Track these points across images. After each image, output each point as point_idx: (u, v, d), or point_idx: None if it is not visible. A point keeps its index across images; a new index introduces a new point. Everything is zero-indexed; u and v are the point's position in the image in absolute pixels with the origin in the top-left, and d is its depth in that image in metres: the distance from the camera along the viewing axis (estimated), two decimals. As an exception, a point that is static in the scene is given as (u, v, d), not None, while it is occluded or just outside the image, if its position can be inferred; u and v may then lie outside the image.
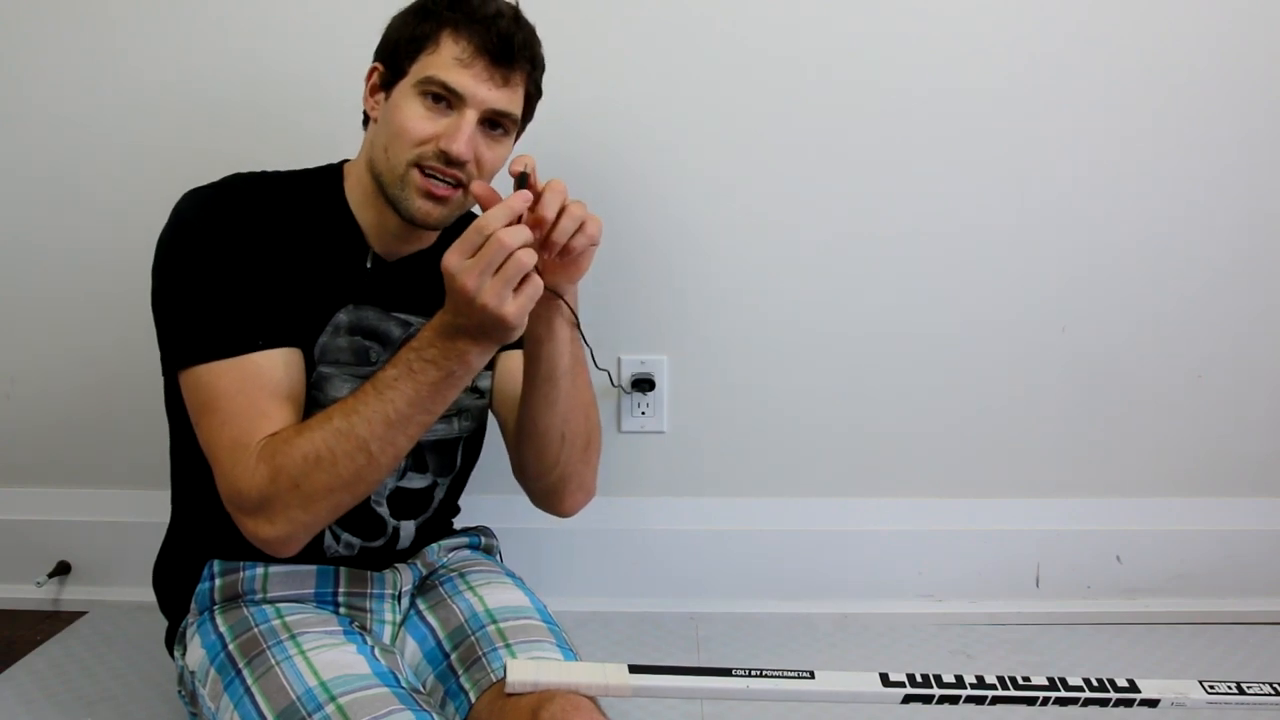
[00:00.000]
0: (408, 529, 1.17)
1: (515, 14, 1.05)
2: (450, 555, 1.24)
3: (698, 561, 1.67)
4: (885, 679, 0.92)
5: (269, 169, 1.11)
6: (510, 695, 0.91)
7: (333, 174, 1.13)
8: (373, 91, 1.08)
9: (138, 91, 1.54)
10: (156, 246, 1.04)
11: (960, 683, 0.93)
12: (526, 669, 0.92)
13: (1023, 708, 0.95)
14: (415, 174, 1.02)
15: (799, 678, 0.91)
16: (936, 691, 0.92)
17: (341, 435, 0.93)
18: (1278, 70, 1.54)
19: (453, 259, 0.87)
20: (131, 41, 1.53)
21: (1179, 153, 1.56)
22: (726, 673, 0.91)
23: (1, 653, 1.49)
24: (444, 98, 1.01)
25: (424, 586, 1.20)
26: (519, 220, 0.87)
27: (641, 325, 1.61)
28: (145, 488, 1.54)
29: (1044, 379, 1.63)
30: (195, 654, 1.05)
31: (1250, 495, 1.67)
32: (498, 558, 1.30)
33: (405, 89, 1.03)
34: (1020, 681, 0.93)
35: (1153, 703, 0.94)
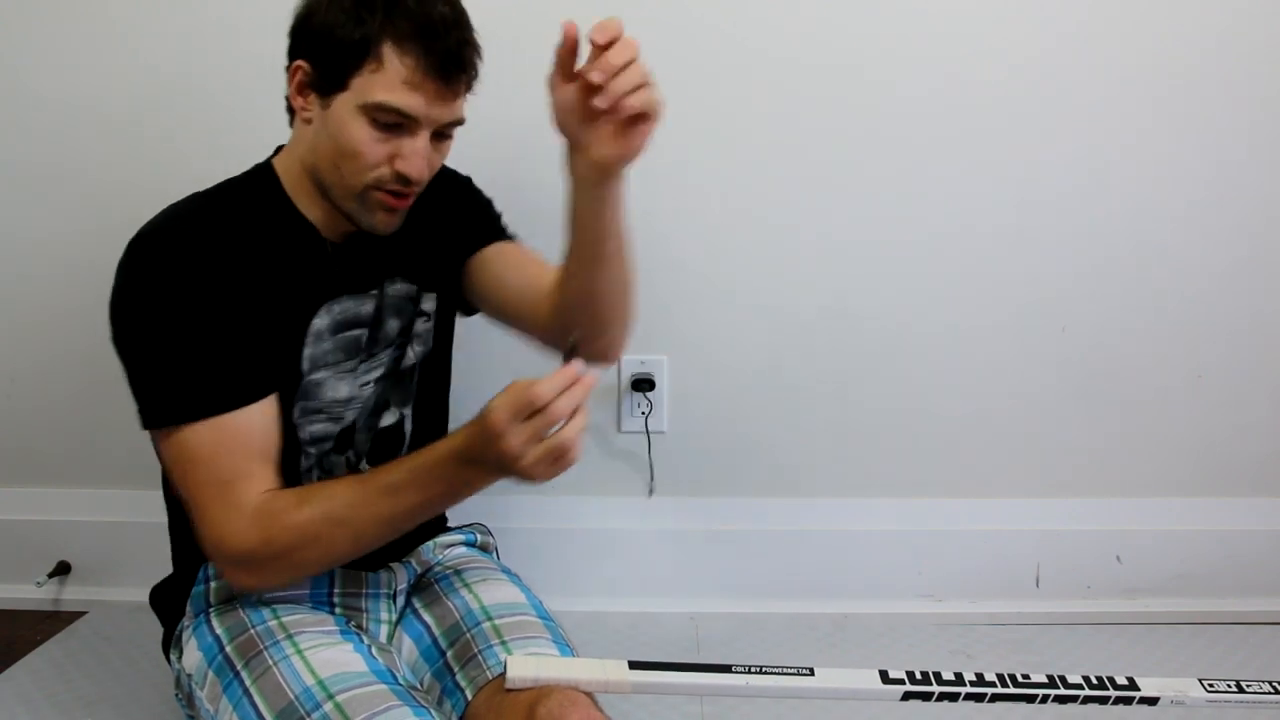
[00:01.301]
0: None
1: (453, 14, 0.98)
2: (446, 553, 1.24)
3: (698, 561, 1.67)
4: (885, 676, 0.92)
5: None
6: (508, 691, 0.91)
7: (267, 176, 1.08)
8: (300, 90, 1.01)
9: (139, 93, 1.54)
10: (112, 298, 1.00)
11: (960, 680, 0.93)
12: (526, 665, 0.92)
13: (1022, 706, 0.95)
14: (374, 194, 1.00)
15: (799, 674, 0.91)
16: (936, 689, 0.92)
17: (339, 524, 0.95)
18: (1278, 71, 1.54)
19: (503, 417, 0.85)
20: (140, 41, 1.53)
21: (1179, 152, 1.56)
22: (726, 669, 0.91)
23: (1, 653, 1.49)
24: (397, 122, 0.97)
25: (420, 584, 1.19)
26: (569, 388, 0.86)
27: (641, 325, 1.58)
28: (145, 488, 1.52)
29: (1044, 379, 1.63)
30: (192, 657, 1.05)
31: (1250, 495, 1.67)
32: (494, 555, 1.30)
33: (350, 107, 0.97)
34: (1019, 679, 0.93)
35: (1152, 701, 0.94)
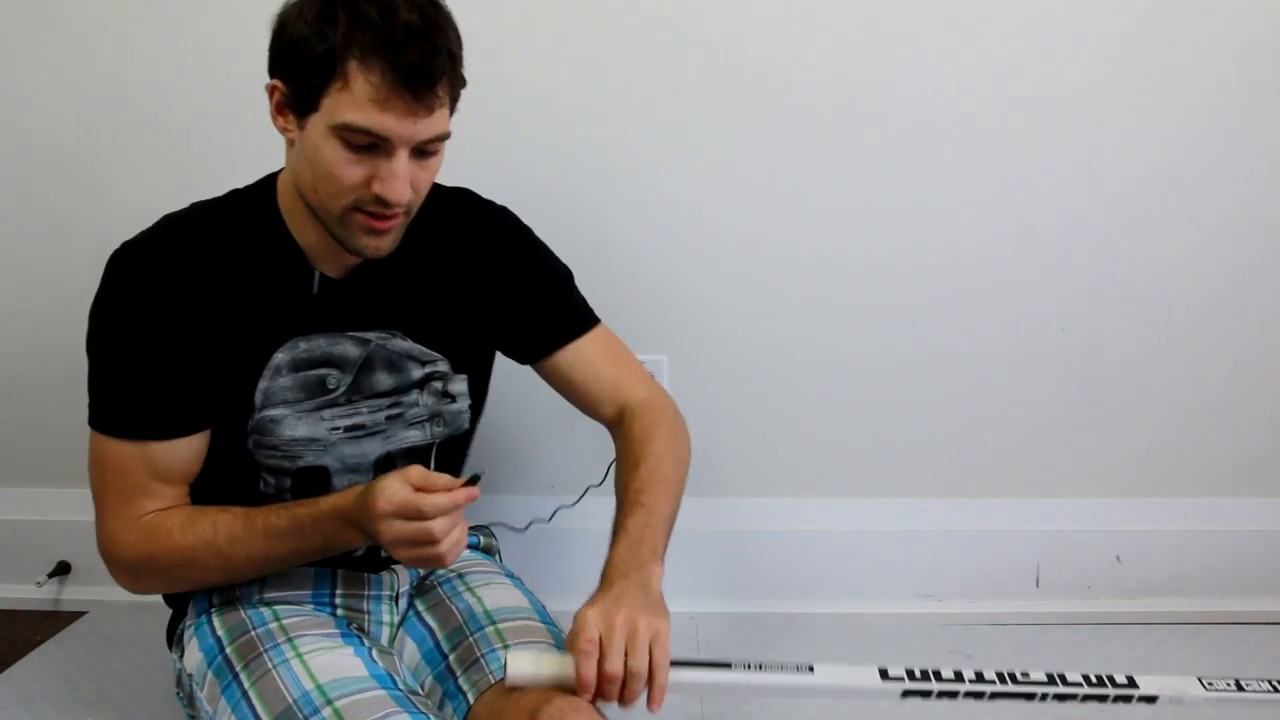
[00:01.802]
0: None
1: (423, 21, 0.91)
2: (449, 555, 1.24)
3: (698, 561, 1.67)
4: (884, 674, 0.92)
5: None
6: (509, 690, 0.91)
7: (266, 194, 1.05)
8: (279, 110, 0.97)
9: (140, 94, 1.55)
10: (94, 299, 1.01)
11: (959, 678, 0.92)
12: (526, 660, 0.91)
13: (1022, 704, 0.94)
14: (355, 216, 0.96)
15: (798, 672, 0.91)
16: (935, 686, 0.92)
17: (218, 554, 1.00)
18: (1276, 71, 1.55)
19: (387, 509, 0.90)
20: (145, 44, 1.53)
21: (1179, 153, 1.56)
22: (726, 666, 0.92)
23: (1, 653, 1.50)
24: (370, 142, 0.92)
25: (422, 587, 1.19)
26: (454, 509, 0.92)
27: (641, 325, 1.60)
28: (145, 488, 1.53)
29: (1044, 379, 1.63)
30: (193, 657, 1.05)
31: (1250, 495, 1.67)
32: (497, 558, 1.29)
33: (322, 129, 0.92)
34: (1019, 677, 0.93)
35: (1151, 699, 0.94)
